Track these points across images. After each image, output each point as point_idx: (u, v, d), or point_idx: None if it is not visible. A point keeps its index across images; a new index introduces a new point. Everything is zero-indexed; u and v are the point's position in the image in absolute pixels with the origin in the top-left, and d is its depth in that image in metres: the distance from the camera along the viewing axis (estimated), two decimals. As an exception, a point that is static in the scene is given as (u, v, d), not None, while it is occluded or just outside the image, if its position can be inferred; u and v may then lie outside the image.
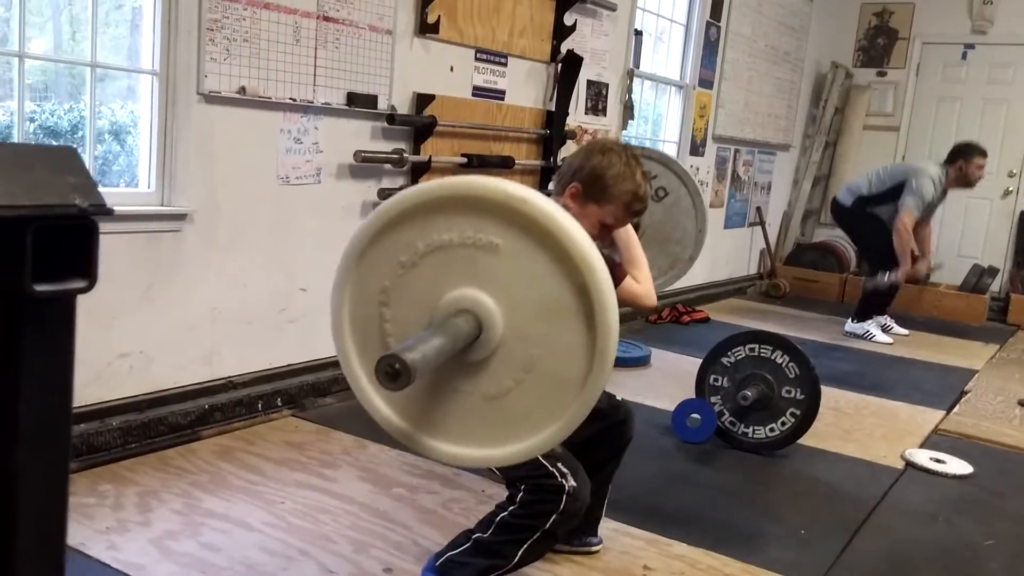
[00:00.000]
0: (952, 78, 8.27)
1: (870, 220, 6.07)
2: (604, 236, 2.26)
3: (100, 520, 2.52)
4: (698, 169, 6.72)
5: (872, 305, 6.29)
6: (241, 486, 2.84)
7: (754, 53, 7.21)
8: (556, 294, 1.50)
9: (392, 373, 1.33)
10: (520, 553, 2.09)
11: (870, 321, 6.22)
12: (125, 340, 3.08)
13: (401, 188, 4.00)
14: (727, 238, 7.47)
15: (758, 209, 7.78)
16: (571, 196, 2.22)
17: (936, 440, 4.06)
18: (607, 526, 2.78)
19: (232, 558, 2.38)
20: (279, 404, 3.58)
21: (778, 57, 7.65)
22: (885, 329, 6.35)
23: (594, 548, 2.60)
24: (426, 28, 3.98)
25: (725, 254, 7.49)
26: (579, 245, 1.49)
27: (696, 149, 6.62)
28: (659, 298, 6.31)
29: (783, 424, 3.59)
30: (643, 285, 2.35)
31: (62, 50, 3.08)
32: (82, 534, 2.42)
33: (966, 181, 5.97)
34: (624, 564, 2.57)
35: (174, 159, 3.16)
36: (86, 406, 2.97)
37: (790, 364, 3.59)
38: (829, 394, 4.63)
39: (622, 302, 2.23)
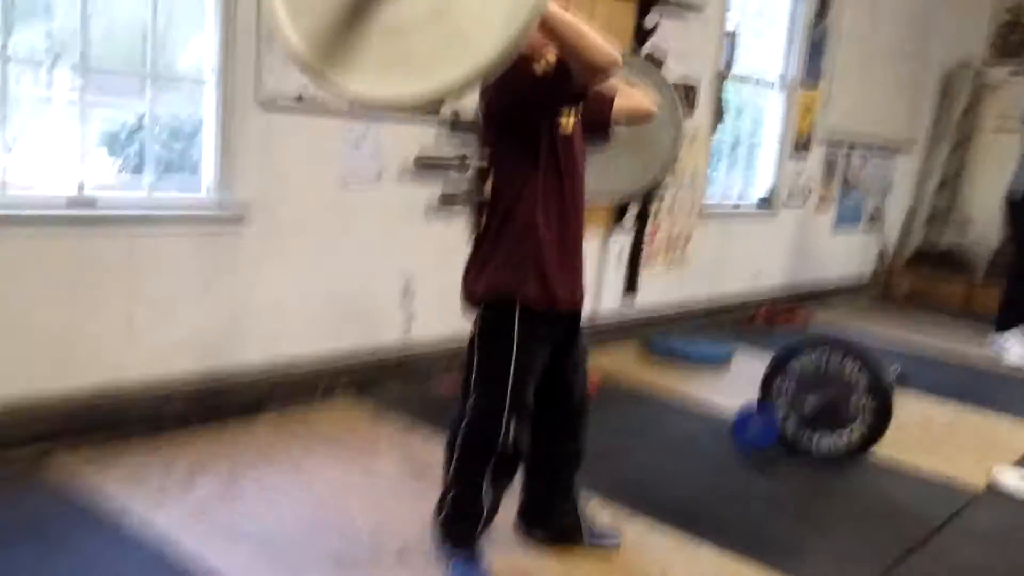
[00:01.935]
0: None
1: None
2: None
3: (148, 487, 2.68)
4: (801, 173, 6.46)
5: (1010, 313, 5.75)
6: (285, 462, 2.96)
7: (869, 51, 6.86)
8: None
9: None
10: (486, 486, 2.28)
11: (1010, 331, 5.71)
12: (188, 327, 3.25)
13: (464, 193, 4.06)
14: (837, 241, 7.14)
15: (875, 211, 7.40)
16: None
17: (1035, 458, 3.74)
18: (640, 523, 2.73)
19: (258, 529, 2.49)
20: (340, 388, 3.68)
21: (897, 55, 7.25)
22: None
23: (607, 544, 2.57)
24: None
25: (834, 257, 7.16)
26: None
27: (800, 150, 6.36)
28: (759, 298, 6.13)
29: (851, 434, 3.40)
30: (636, 98, 2.38)
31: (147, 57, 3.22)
32: (130, 496, 2.58)
33: None
34: (643, 566, 2.51)
35: (232, 164, 3.30)
36: (153, 382, 3.15)
37: (861, 371, 3.40)
38: (925, 406, 4.39)
39: (629, 121, 2.40)
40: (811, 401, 3.39)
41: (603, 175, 2.87)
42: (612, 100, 2.33)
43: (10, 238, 2.81)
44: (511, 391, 2.23)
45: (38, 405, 2.89)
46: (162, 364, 3.19)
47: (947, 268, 7.52)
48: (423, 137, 3.88)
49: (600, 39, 1.97)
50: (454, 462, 2.32)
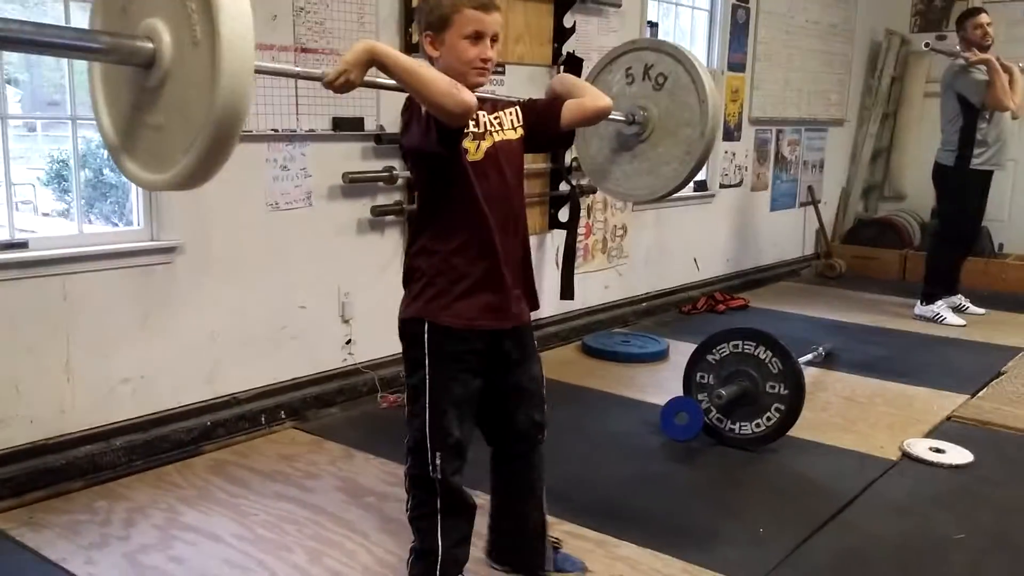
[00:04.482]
0: (1017, 37, 7.85)
1: (963, 178, 5.77)
2: (485, 55, 2.17)
3: (85, 536, 2.78)
4: (735, 154, 6.65)
5: (938, 284, 6.02)
6: (223, 499, 3.07)
7: (792, 30, 7.06)
8: (202, 100, 1.76)
9: None
10: (440, 539, 2.32)
11: (940, 303, 5.97)
12: (126, 366, 3.36)
13: (396, 204, 4.19)
14: (774, 220, 7.36)
15: (809, 188, 7.63)
16: (430, 45, 2.20)
17: (946, 428, 3.96)
18: (562, 528, 2.88)
19: (193, 570, 2.61)
20: (282, 417, 3.81)
21: (823, 31, 7.46)
22: (959, 310, 6.05)
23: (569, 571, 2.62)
24: (411, 48, 4.10)
25: (772, 237, 7.38)
26: (234, 79, 1.72)
27: (731, 134, 6.55)
28: (700, 285, 6.35)
29: (768, 419, 3.60)
30: (583, 99, 2.41)
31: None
32: (65, 549, 2.69)
33: (978, 45, 5.74)
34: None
35: (158, 196, 3.40)
36: (91, 428, 3.26)
37: (773, 359, 3.59)
38: (847, 382, 4.60)
39: (580, 122, 2.46)
40: (727, 391, 3.58)
41: (654, 172, 2.99)
42: (559, 108, 2.38)
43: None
44: (429, 424, 2.25)
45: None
46: (100, 410, 3.29)
47: (884, 240, 7.76)
48: (350, 153, 4.00)
49: (446, 85, 1.97)
50: (408, 508, 2.38)
